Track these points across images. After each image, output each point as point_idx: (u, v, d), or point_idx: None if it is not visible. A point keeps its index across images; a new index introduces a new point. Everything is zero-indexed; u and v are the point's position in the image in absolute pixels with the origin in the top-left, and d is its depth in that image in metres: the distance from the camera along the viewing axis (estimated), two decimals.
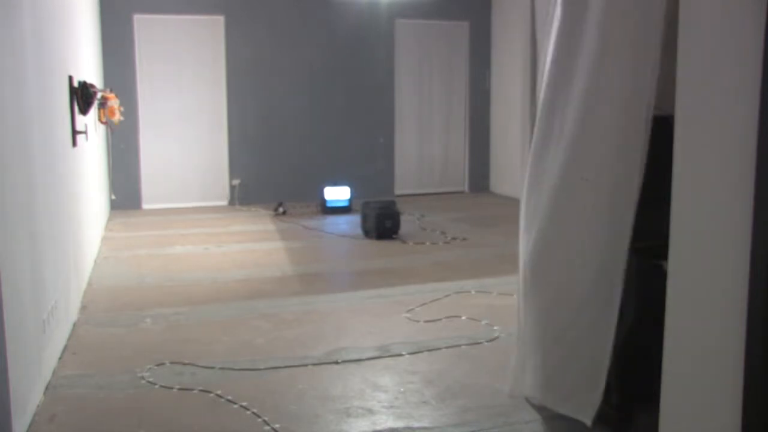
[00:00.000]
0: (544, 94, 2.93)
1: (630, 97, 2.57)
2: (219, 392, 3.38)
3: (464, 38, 10.65)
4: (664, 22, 2.47)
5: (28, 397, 3.09)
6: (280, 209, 8.80)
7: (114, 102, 6.66)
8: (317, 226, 7.96)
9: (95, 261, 6.16)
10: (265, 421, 3.08)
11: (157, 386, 3.47)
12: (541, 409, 3.14)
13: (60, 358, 3.84)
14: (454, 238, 7.20)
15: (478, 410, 3.19)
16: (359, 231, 7.50)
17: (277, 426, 3.04)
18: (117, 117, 6.79)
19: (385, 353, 3.91)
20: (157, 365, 3.74)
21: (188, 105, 9.42)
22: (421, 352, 3.93)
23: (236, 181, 9.60)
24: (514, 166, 8.69)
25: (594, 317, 2.74)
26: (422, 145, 10.61)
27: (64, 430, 3.04)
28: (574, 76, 2.77)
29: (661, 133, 2.46)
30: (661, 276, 2.39)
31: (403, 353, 3.90)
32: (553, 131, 2.88)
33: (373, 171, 10.20)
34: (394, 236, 7.23)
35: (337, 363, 3.77)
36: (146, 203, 9.34)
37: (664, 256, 2.34)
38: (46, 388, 3.44)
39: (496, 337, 4.15)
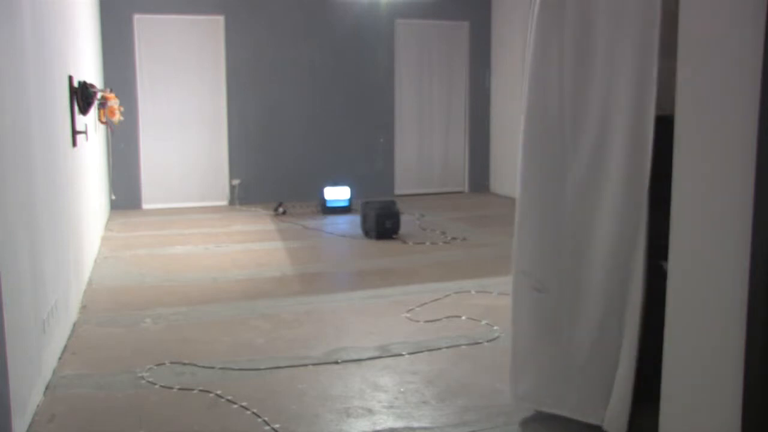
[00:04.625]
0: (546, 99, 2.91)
1: (636, 98, 2.53)
2: (219, 392, 3.38)
3: (464, 38, 10.65)
4: (662, 25, 2.46)
5: (28, 397, 3.09)
6: (280, 209, 8.80)
7: (114, 102, 6.67)
8: (317, 226, 7.96)
9: (95, 261, 6.16)
10: (265, 421, 3.08)
11: (157, 386, 3.47)
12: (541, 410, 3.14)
13: (60, 358, 3.84)
14: (454, 238, 7.20)
15: (478, 410, 3.19)
16: (359, 231, 7.50)
17: (277, 426, 3.04)
18: (117, 117, 6.80)
19: (385, 353, 3.91)
20: (157, 365, 3.74)
21: (188, 105, 9.43)
22: (421, 352, 3.93)
23: (236, 181, 9.60)
24: (514, 166, 8.69)
25: (612, 321, 2.66)
26: (422, 145, 10.61)
27: (64, 430, 3.04)
28: (585, 82, 2.74)
29: (661, 133, 2.45)
30: (661, 276, 2.39)
31: (403, 353, 3.90)
32: (564, 137, 2.85)
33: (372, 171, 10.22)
34: (394, 236, 7.23)
35: (337, 363, 3.77)
36: (146, 203, 9.34)
37: (664, 256, 2.34)
38: (46, 388, 3.44)
39: (496, 337, 4.14)
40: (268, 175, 9.72)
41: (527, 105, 2.95)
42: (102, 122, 6.97)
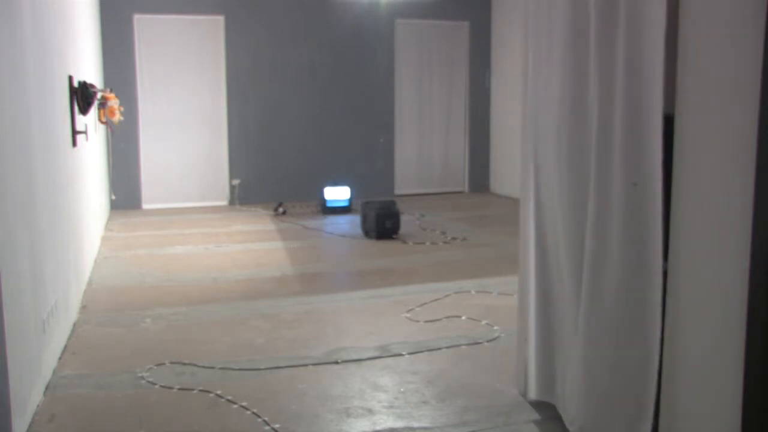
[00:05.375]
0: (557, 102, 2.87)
1: (642, 98, 2.47)
2: (219, 392, 3.38)
3: (464, 38, 10.65)
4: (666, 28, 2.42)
5: (28, 397, 3.09)
6: (280, 209, 8.80)
7: (114, 102, 6.67)
8: (317, 226, 7.96)
9: (95, 261, 6.16)
10: (265, 421, 3.08)
11: (157, 386, 3.47)
12: (541, 410, 3.14)
13: (60, 358, 3.84)
14: (454, 238, 7.20)
15: (478, 410, 3.19)
16: (359, 231, 7.50)
17: (277, 426, 3.04)
18: (117, 117, 6.80)
19: (385, 353, 3.91)
20: (157, 365, 3.74)
21: (188, 105, 9.43)
22: (421, 352, 3.93)
23: (236, 181, 9.61)
24: (514, 166, 8.69)
25: (634, 326, 2.52)
26: (422, 145, 10.61)
27: (64, 430, 3.04)
28: (587, 83, 2.70)
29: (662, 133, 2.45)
30: (661, 276, 2.38)
31: (403, 353, 3.90)
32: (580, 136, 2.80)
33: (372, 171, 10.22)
34: (394, 236, 7.23)
35: (337, 363, 3.77)
36: (146, 203, 9.34)
37: (665, 256, 2.33)
38: (46, 388, 3.44)
39: (496, 337, 4.14)
40: (268, 175, 9.72)
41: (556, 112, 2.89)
42: (102, 122, 6.97)
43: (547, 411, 3.10)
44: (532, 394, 3.18)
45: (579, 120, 2.78)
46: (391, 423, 3.08)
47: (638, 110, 2.46)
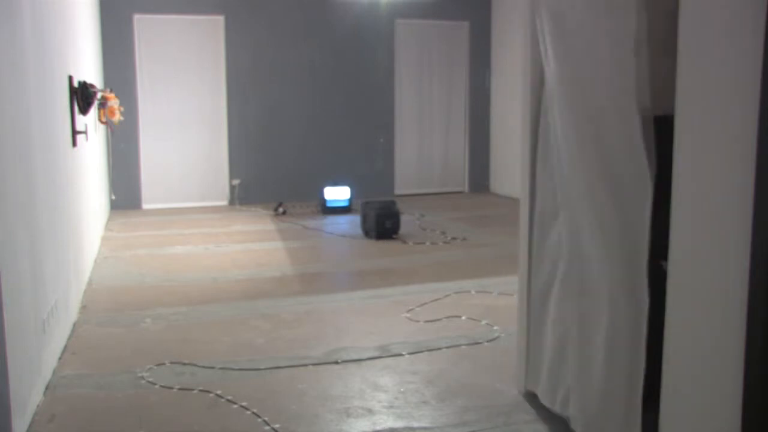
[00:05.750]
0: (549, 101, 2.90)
1: (618, 97, 2.51)
2: (219, 392, 3.38)
3: (464, 38, 10.65)
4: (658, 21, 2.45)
5: (28, 397, 3.09)
6: (280, 209, 8.80)
7: (114, 102, 6.67)
8: (317, 226, 7.96)
9: (95, 261, 6.16)
10: (265, 421, 3.08)
11: (157, 386, 3.47)
12: (541, 409, 3.14)
13: (60, 358, 3.84)
14: (454, 238, 7.20)
15: (478, 410, 3.19)
16: (359, 231, 7.50)
17: (277, 426, 3.04)
18: (117, 117, 6.80)
19: (385, 353, 3.91)
20: (157, 365, 3.74)
21: (188, 105, 9.43)
22: (421, 352, 3.93)
23: (236, 181, 9.61)
24: (514, 166, 8.69)
25: (622, 324, 2.54)
26: (422, 145, 10.62)
27: (64, 430, 3.04)
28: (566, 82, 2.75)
29: (661, 133, 2.45)
30: (661, 276, 2.38)
31: (403, 353, 3.90)
32: (557, 138, 2.84)
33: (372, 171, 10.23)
34: (394, 236, 7.23)
35: (337, 363, 3.77)
36: (146, 203, 9.35)
37: (664, 256, 2.33)
38: (46, 388, 3.44)
39: (496, 337, 4.15)
40: (268, 175, 9.72)
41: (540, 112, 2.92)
42: (102, 122, 6.97)
43: (547, 410, 3.10)
44: (527, 388, 3.19)
45: (582, 118, 2.79)
46: (391, 423, 3.08)
47: (622, 108, 2.50)
